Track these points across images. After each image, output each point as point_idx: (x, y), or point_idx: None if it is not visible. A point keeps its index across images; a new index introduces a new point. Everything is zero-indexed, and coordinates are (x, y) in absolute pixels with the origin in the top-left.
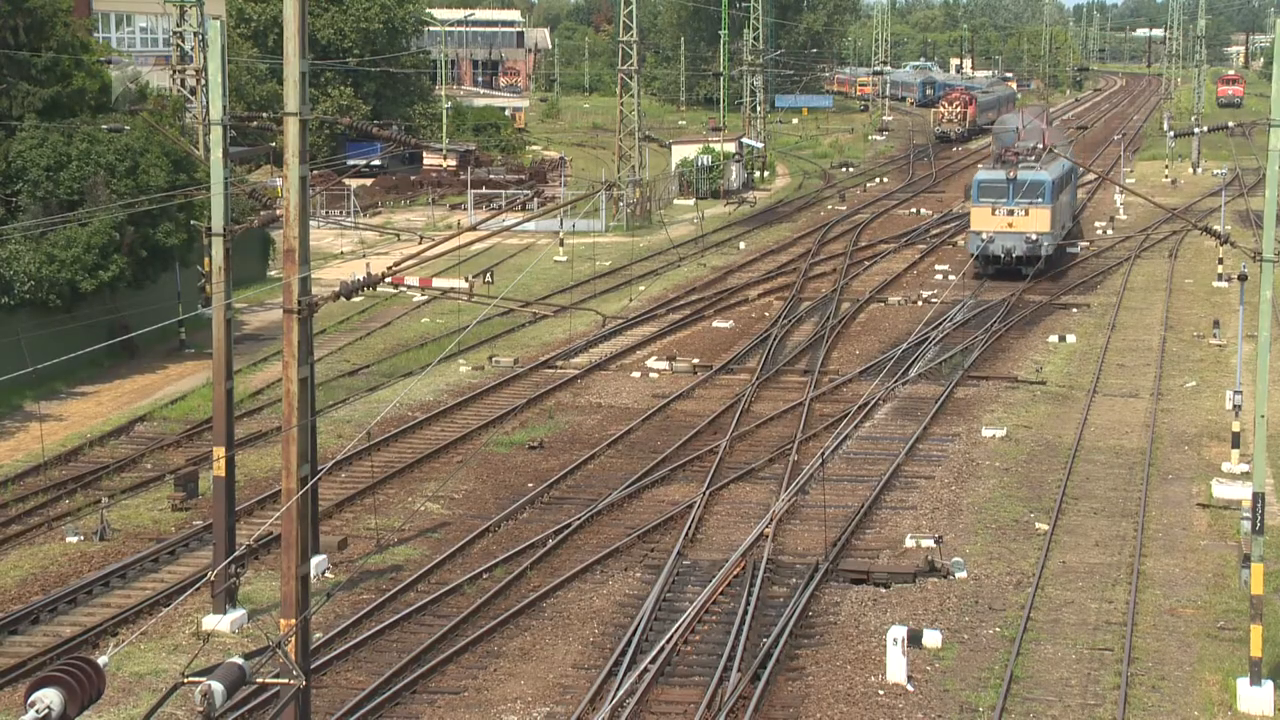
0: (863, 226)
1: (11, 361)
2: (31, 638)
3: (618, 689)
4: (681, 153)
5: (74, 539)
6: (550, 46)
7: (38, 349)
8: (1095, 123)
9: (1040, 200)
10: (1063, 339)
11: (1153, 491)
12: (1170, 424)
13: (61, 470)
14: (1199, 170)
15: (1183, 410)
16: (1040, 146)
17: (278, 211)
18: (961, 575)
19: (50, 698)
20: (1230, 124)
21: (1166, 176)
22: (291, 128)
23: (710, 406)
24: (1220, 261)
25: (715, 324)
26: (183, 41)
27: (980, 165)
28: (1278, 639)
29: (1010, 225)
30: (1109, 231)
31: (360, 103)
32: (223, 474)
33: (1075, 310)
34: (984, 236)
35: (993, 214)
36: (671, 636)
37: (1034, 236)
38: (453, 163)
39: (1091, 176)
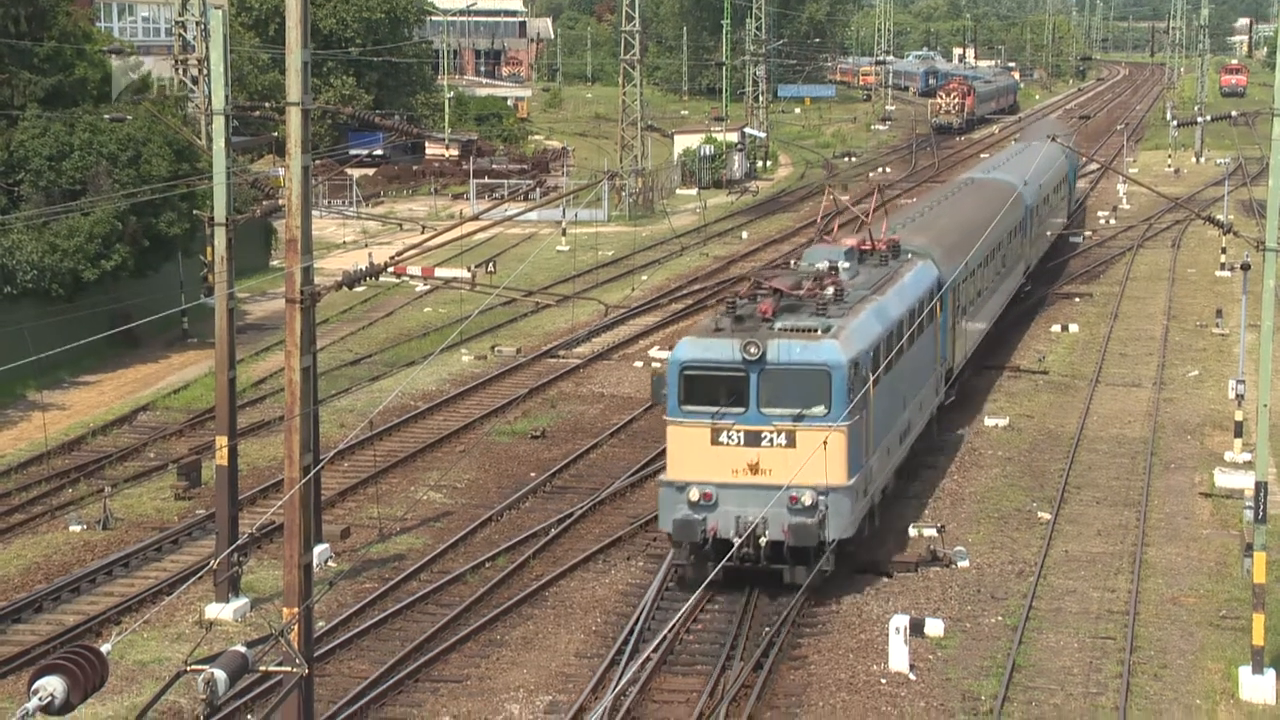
0: (869, 215)
1: (14, 351)
2: (35, 626)
3: (620, 677)
4: (684, 142)
5: (77, 528)
6: (553, 36)
7: (40, 338)
8: (1098, 112)
9: (822, 410)
10: (1065, 328)
11: (1155, 480)
12: (1173, 413)
13: (64, 459)
14: (1202, 160)
15: (1185, 399)
16: (840, 269)
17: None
18: (964, 564)
19: (53, 685)
20: (1233, 113)
21: (1169, 166)
22: (294, 117)
23: None
24: (1223, 251)
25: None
26: (185, 31)
27: (692, 330)
28: None
29: (752, 470)
30: (1112, 221)
31: (362, 92)
32: (225, 463)
33: (1078, 299)
34: (691, 499)
35: (712, 444)
36: (674, 625)
37: (808, 497)
38: (455, 152)
39: (1094, 166)
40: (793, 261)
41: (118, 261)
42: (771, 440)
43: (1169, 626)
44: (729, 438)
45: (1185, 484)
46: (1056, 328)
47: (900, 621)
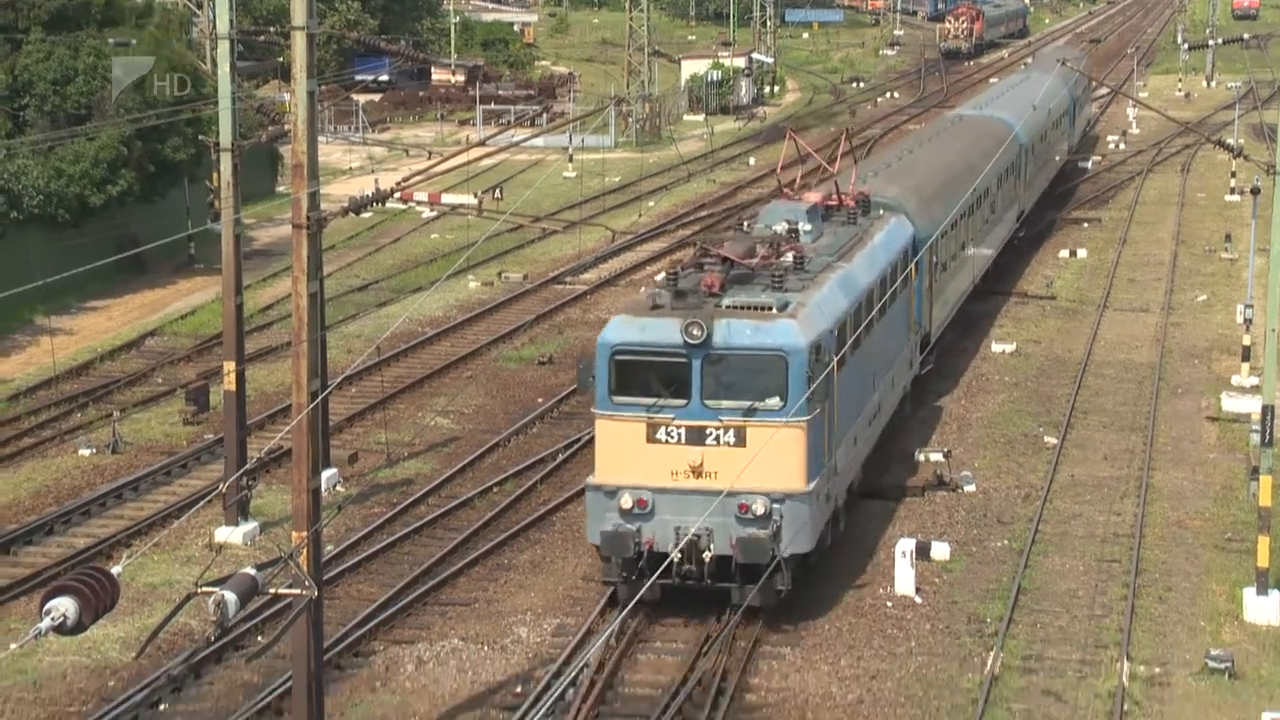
0: (874, 142)
1: (22, 276)
2: (46, 548)
3: (626, 601)
4: (691, 68)
5: (86, 452)
6: None
7: (47, 263)
8: (1108, 36)
9: (777, 402)
10: (1073, 254)
11: (1162, 405)
12: (1180, 338)
13: (73, 384)
14: (1213, 84)
15: (1193, 324)
16: (801, 231)
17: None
18: (970, 489)
19: (65, 606)
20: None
21: (1180, 90)
22: (299, 42)
23: None
24: (1233, 175)
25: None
26: None
27: (625, 306)
28: None
29: (695, 473)
30: (1121, 146)
31: (368, 17)
32: (233, 388)
33: (1086, 225)
34: (623, 506)
35: (648, 441)
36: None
37: (761, 505)
38: (461, 78)
39: (1104, 90)
40: (746, 223)
41: (124, 187)
42: (718, 438)
43: (1174, 550)
44: (668, 435)
45: (1192, 408)
46: (1064, 253)
47: (906, 545)
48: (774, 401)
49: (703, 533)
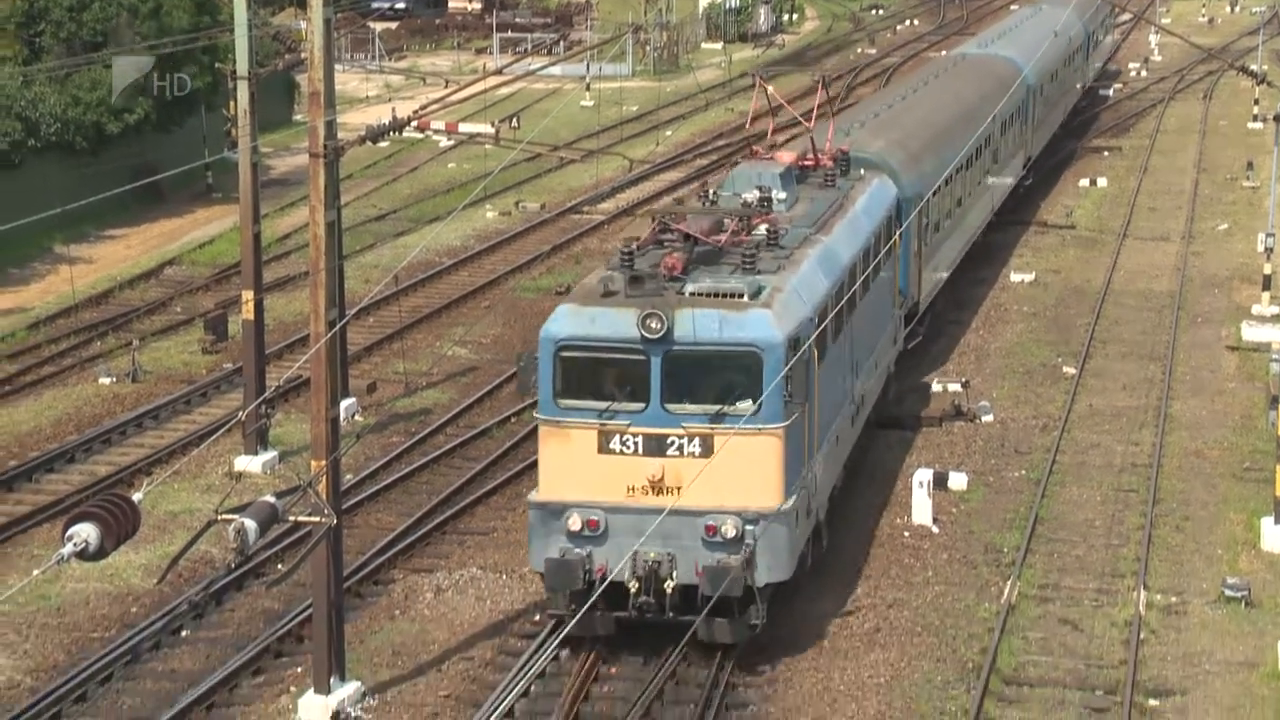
0: (893, 70)
1: (40, 203)
2: (67, 476)
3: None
4: None
5: (106, 380)
6: None
7: (65, 191)
8: None
9: (749, 406)
10: (1093, 183)
11: (1181, 334)
12: (1201, 267)
13: (92, 312)
14: (1237, 9)
15: (1214, 253)
16: (775, 200)
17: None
18: (988, 419)
19: (87, 532)
20: None
21: (1203, 16)
22: None
23: None
24: (1256, 102)
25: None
26: None
27: (572, 293)
28: None
29: (655, 489)
30: (1143, 73)
31: None
32: (252, 317)
33: (1107, 154)
34: (571, 528)
35: (600, 452)
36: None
37: (731, 526)
38: (478, 6)
39: (1126, 17)
40: (712, 190)
41: (140, 115)
42: (681, 448)
43: (1192, 479)
44: (622, 444)
45: (1212, 337)
46: (1085, 182)
47: (924, 475)
48: (746, 405)
49: (663, 558)
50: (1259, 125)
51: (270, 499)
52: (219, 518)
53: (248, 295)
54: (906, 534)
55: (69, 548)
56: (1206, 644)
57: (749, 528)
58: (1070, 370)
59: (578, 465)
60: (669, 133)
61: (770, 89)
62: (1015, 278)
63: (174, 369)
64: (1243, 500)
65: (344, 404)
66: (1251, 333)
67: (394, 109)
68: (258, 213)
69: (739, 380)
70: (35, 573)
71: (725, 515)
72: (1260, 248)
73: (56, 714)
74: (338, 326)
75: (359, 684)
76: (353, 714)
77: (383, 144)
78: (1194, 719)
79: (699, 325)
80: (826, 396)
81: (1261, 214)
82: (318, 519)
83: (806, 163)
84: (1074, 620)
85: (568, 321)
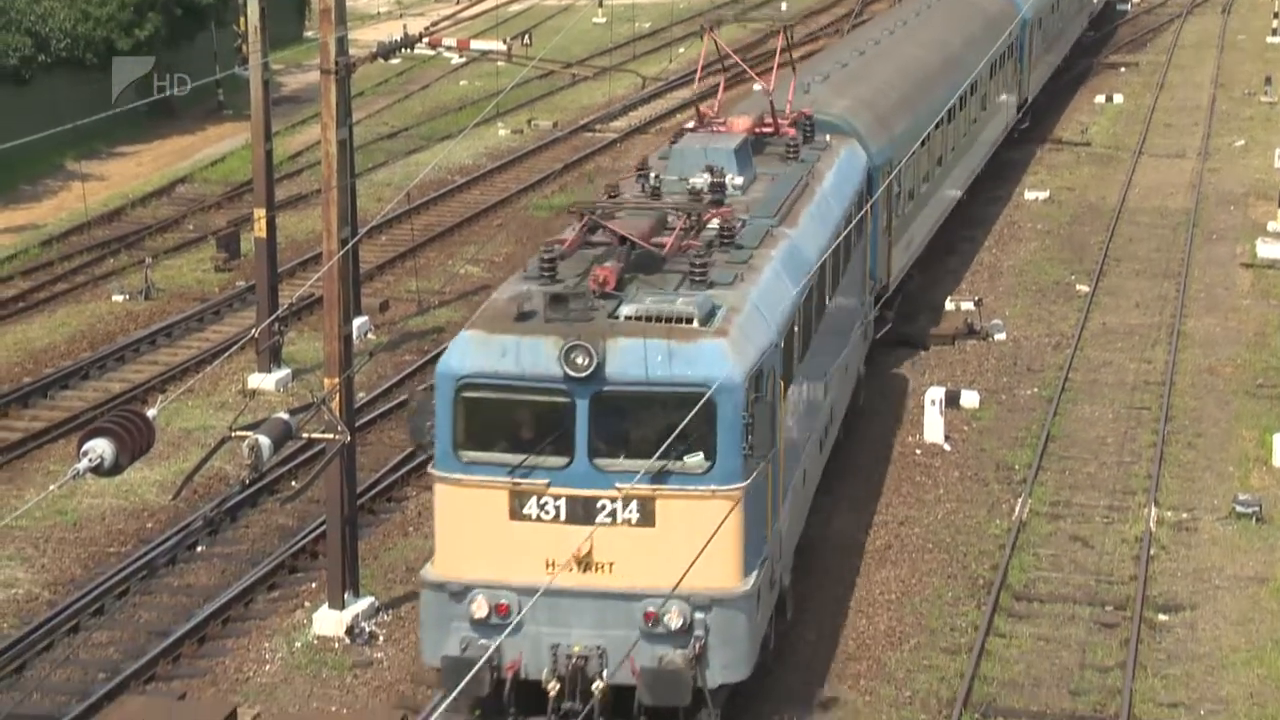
0: None
1: (51, 119)
2: (81, 392)
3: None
4: None
5: (119, 298)
6: None
7: (76, 107)
8: None
9: (700, 461)
10: (1109, 99)
11: (1196, 252)
12: (1216, 184)
13: (105, 230)
14: None
15: (1230, 170)
16: (729, 184)
17: None
18: (1000, 337)
19: (102, 447)
20: None
21: None
22: None
23: None
24: (1275, 16)
25: (756, 87)
26: None
27: (478, 316)
28: None
29: (581, 565)
30: None
31: None
32: (264, 235)
33: (1123, 70)
34: (476, 614)
35: (513, 518)
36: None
37: (677, 615)
38: None
39: None
40: (654, 174)
41: (151, 31)
42: (614, 514)
43: (1205, 396)
44: (541, 509)
45: (1226, 255)
46: (1100, 99)
47: (936, 393)
48: (696, 460)
49: (591, 654)
50: (1278, 40)
51: (284, 416)
52: (233, 434)
53: (260, 213)
54: (918, 452)
55: (84, 463)
56: (1217, 560)
57: (699, 615)
58: (1083, 288)
59: (485, 535)
60: (682, 50)
61: (720, 41)
62: (1029, 195)
63: (187, 286)
64: (1255, 417)
65: (356, 322)
66: (1266, 249)
67: (405, 25)
68: (269, 130)
69: (688, 429)
70: (51, 488)
71: (670, 600)
72: (1277, 164)
73: (74, 627)
74: (349, 244)
75: (372, 599)
76: (366, 628)
77: (394, 61)
78: (1203, 633)
79: (637, 359)
80: (794, 432)
81: (1278, 130)
82: (331, 436)
83: (764, 128)
84: (1084, 537)
85: (472, 353)
